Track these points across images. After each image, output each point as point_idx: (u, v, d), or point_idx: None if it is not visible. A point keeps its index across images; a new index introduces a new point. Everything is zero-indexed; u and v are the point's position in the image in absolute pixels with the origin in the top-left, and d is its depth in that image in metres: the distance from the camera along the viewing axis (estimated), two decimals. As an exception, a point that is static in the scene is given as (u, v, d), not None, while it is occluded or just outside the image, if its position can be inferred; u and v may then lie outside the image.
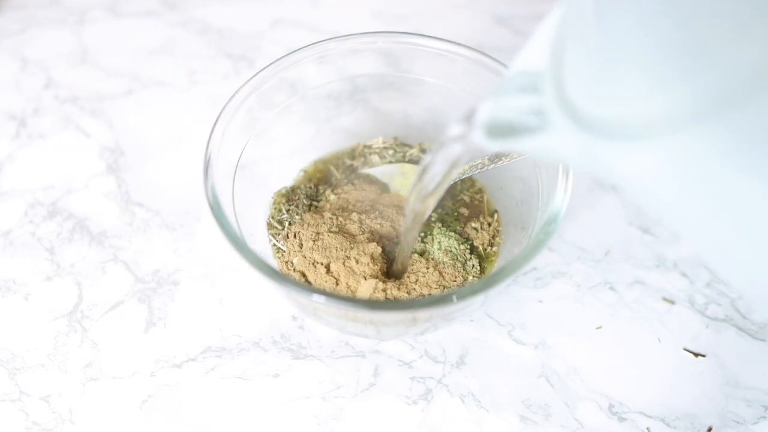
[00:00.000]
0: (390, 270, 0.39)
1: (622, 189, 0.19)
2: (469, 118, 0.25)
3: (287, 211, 0.42)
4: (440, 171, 0.29)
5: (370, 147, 0.45)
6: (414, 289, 0.38)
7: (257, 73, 0.38)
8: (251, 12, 0.58)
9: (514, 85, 0.22)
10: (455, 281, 0.38)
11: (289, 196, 0.43)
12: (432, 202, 0.32)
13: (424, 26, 0.57)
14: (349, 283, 0.37)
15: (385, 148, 0.45)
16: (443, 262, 0.39)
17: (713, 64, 0.15)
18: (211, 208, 0.33)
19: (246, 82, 0.38)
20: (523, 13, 0.58)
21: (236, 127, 0.38)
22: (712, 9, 0.15)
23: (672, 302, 0.41)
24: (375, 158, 0.45)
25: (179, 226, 0.45)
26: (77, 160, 0.48)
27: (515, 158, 0.36)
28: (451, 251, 0.39)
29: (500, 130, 0.23)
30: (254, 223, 0.40)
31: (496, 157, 0.37)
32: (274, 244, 0.41)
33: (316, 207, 0.43)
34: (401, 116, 0.45)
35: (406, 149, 0.45)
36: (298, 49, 0.39)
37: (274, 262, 0.40)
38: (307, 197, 0.43)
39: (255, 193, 0.41)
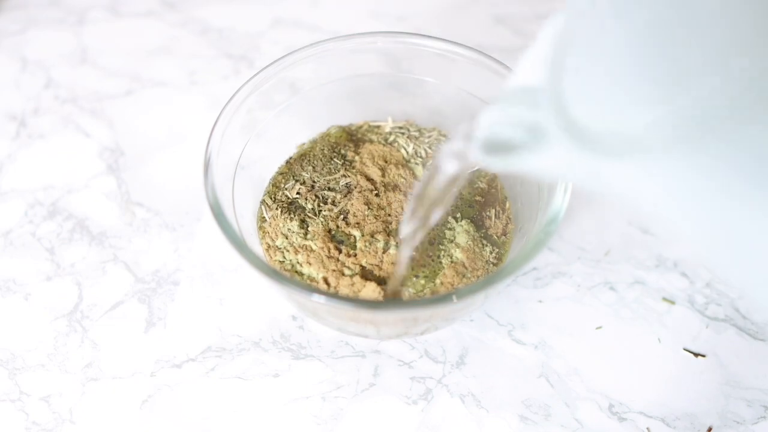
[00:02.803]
0: (386, 287, 0.37)
1: (619, 201, 0.20)
2: (467, 134, 0.25)
3: (291, 180, 0.41)
4: (440, 187, 0.29)
5: (378, 127, 0.44)
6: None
7: (257, 73, 0.38)
8: (251, 12, 0.58)
9: (513, 101, 0.22)
10: (475, 269, 0.38)
11: (305, 157, 0.42)
12: (433, 216, 0.31)
13: (424, 26, 0.57)
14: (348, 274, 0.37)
15: (398, 128, 0.44)
16: (461, 248, 0.38)
17: (688, 91, 0.16)
18: (211, 208, 0.33)
19: (246, 82, 0.38)
20: (523, 13, 0.58)
21: (236, 127, 0.38)
22: (693, 41, 0.16)
23: (672, 302, 0.41)
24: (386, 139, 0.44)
25: (179, 226, 0.45)
26: (77, 160, 0.48)
27: (477, 167, 0.36)
28: (469, 235, 0.38)
29: (499, 147, 0.22)
30: (254, 222, 0.40)
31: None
32: (261, 227, 0.40)
33: (350, 164, 0.41)
34: (401, 116, 0.45)
35: (423, 132, 0.44)
36: (298, 49, 0.39)
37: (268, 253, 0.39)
38: (340, 156, 0.42)
39: (255, 193, 0.41)
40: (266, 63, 0.39)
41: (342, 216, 0.39)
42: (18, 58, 0.55)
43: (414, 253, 0.37)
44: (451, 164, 0.27)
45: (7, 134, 0.50)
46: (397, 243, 0.38)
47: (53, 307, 0.41)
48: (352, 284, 0.37)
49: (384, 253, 0.38)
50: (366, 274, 0.37)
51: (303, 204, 0.40)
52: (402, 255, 0.34)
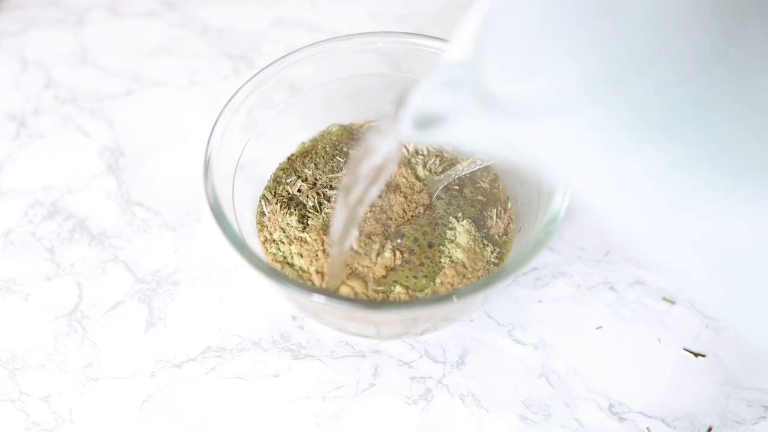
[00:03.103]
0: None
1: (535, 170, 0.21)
2: (396, 110, 0.25)
3: (293, 176, 0.41)
4: (370, 168, 0.29)
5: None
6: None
7: (257, 73, 0.38)
8: (251, 12, 0.58)
9: (441, 75, 0.23)
10: (476, 270, 0.38)
11: (307, 155, 0.42)
12: (363, 208, 0.31)
13: (424, 26, 0.57)
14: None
15: None
16: (461, 248, 0.38)
17: (593, 51, 0.17)
18: (211, 208, 0.33)
19: (246, 82, 0.38)
20: (523, 13, 0.58)
21: (236, 127, 0.38)
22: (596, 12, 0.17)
23: (672, 302, 0.41)
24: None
25: (179, 226, 0.45)
26: (77, 160, 0.48)
27: (478, 166, 0.36)
28: (470, 235, 0.38)
29: (426, 121, 0.23)
30: (254, 222, 0.40)
31: (449, 165, 0.37)
32: (260, 221, 0.40)
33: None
34: (401, 116, 0.45)
35: None
36: (298, 49, 0.39)
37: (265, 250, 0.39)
38: (342, 154, 0.41)
39: (255, 192, 0.41)
40: (266, 63, 0.39)
41: None
42: (18, 58, 0.55)
43: (349, 244, 0.36)
44: (381, 141, 0.27)
45: (7, 134, 0.50)
46: (393, 246, 0.38)
47: (53, 307, 0.41)
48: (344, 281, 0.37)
49: (378, 255, 0.38)
50: (357, 275, 0.37)
51: (304, 201, 0.40)
52: (335, 246, 0.34)
